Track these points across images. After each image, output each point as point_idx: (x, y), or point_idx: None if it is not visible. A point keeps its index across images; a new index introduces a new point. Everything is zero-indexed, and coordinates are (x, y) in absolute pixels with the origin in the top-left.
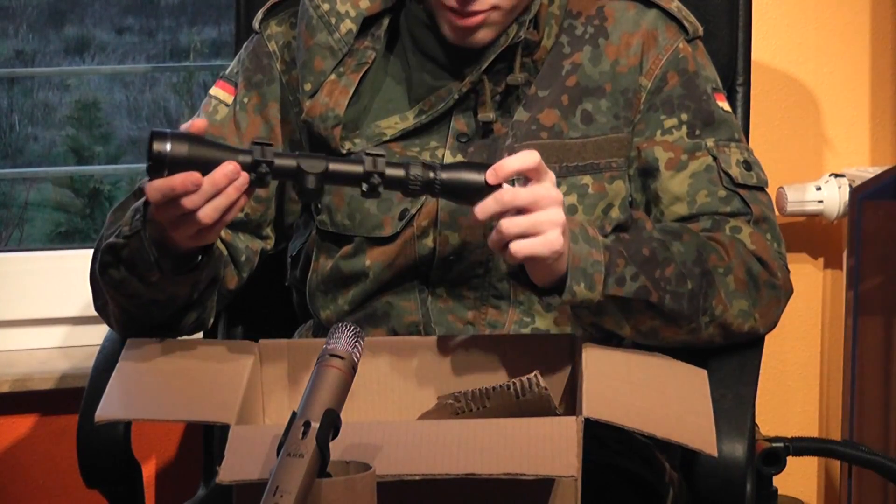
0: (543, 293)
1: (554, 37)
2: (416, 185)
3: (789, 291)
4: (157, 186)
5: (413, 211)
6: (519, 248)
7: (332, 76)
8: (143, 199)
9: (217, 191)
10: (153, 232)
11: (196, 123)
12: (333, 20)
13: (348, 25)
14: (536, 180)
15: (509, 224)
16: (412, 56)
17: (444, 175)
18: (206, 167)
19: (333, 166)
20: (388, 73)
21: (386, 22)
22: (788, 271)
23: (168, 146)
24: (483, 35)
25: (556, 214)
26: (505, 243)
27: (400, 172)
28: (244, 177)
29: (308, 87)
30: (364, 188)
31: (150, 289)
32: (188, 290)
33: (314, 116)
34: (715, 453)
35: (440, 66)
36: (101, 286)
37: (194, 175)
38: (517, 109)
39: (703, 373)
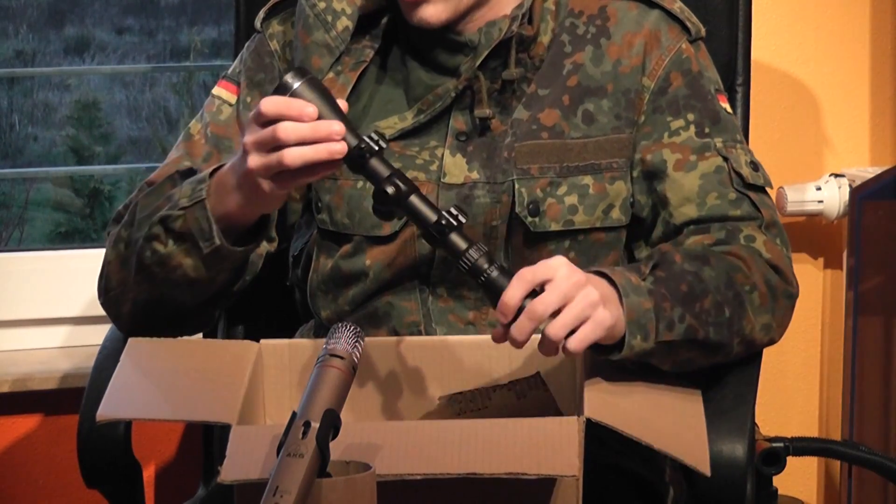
0: (600, 352)
1: (551, 32)
2: (466, 266)
3: (797, 294)
4: (274, 101)
5: None
6: (577, 344)
7: (331, 74)
8: (207, 171)
9: (314, 138)
10: (215, 203)
11: (341, 101)
12: (330, 18)
13: (345, 23)
14: (548, 278)
15: (555, 329)
16: (409, 57)
17: (495, 274)
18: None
19: (415, 200)
20: (386, 74)
21: (384, 22)
22: (793, 273)
23: (298, 83)
24: (433, 11)
25: (589, 294)
26: (560, 346)
27: (462, 244)
28: (342, 146)
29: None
30: (424, 235)
31: (197, 264)
32: (228, 271)
33: None
34: (708, 473)
35: (437, 66)
36: (125, 271)
37: (311, 109)
38: (516, 107)
39: (698, 393)
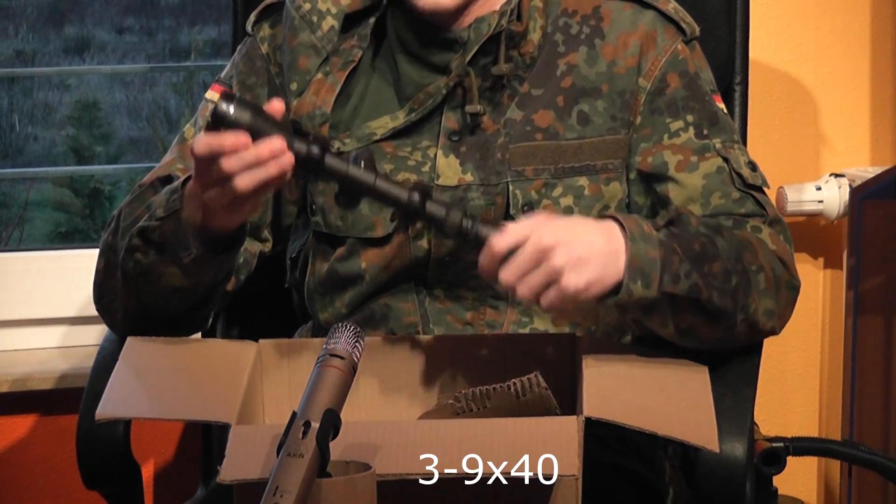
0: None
1: (540, 30)
2: (452, 230)
3: (800, 288)
4: (207, 140)
5: None
6: (547, 307)
7: (319, 75)
8: (180, 181)
9: (258, 161)
10: (190, 213)
11: (275, 104)
12: (315, 18)
13: (330, 22)
14: (519, 244)
15: (523, 292)
16: (399, 56)
17: (482, 229)
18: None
19: (380, 184)
20: (376, 74)
21: (371, 22)
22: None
23: (232, 109)
24: None
25: (557, 259)
26: (536, 305)
27: (440, 211)
28: (289, 157)
29: (294, 86)
30: (401, 215)
31: (179, 273)
32: (212, 277)
33: (302, 115)
34: (717, 449)
35: (427, 64)
36: (114, 279)
37: (244, 138)
38: (509, 107)
39: (704, 369)
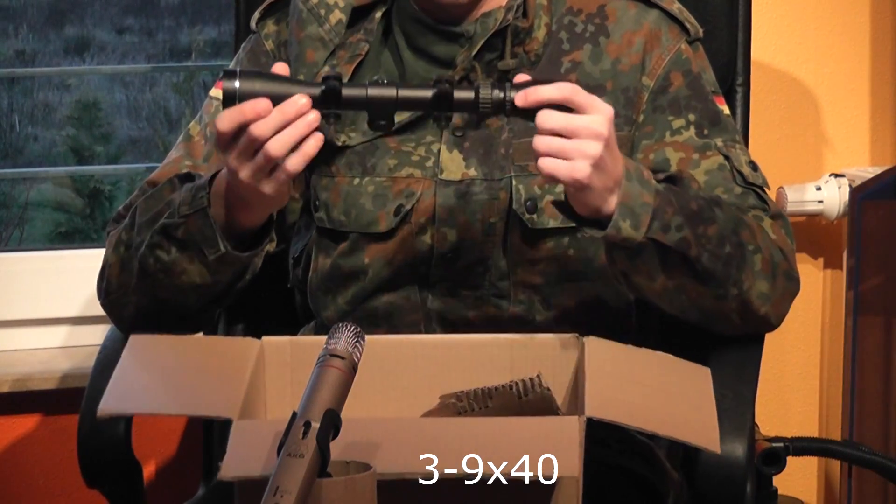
0: (586, 224)
1: (545, 27)
2: (487, 105)
3: (798, 288)
4: (227, 115)
5: (408, 206)
6: (543, 164)
7: (326, 68)
8: (206, 177)
9: (286, 121)
10: (217, 210)
11: (279, 66)
12: (323, 12)
13: (338, 16)
14: (582, 112)
15: (539, 141)
16: (406, 51)
17: (515, 94)
18: (277, 101)
19: (403, 93)
20: (382, 68)
21: (378, 15)
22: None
23: (237, 83)
24: None
25: (591, 147)
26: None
27: (469, 94)
28: (315, 115)
29: (301, 79)
30: (434, 114)
31: (202, 270)
32: (232, 274)
33: None
34: (718, 450)
35: (434, 58)
36: (127, 275)
37: (263, 101)
38: None
39: (707, 370)
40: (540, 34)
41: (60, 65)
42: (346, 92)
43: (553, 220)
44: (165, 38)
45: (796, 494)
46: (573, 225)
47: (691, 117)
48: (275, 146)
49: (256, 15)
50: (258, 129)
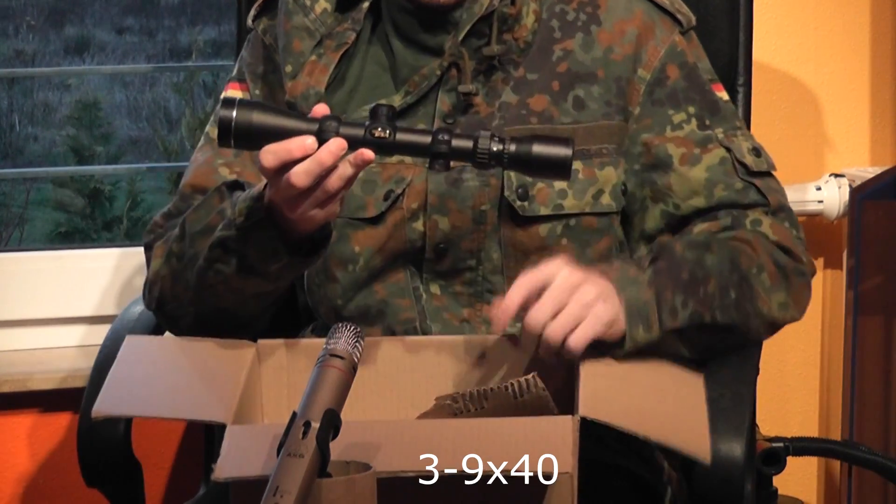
0: (605, 347)
1: (534, 14)
2: (484, 157)
3: (813, 271)
4: (273, 152)
5: (398, 191)
6: (576, 342)
7: (312, 57)
8: (259, 187)
9: (327, 167)
10: (273, 220)
11: (320, 105)
12: (308, 2)
13: (323, 5)
14: (546, 283)
15: (552, 332)
16: (394, 39)
17: (514, 147)
18: (273, 134)
19: (401, 137)
20: (372, 59)
21: (365, 6)
22: (808, 250)
23: (234, 113)
24: None
25: (585, 294)
26: (560, 347)
27: (467, 144)
28: (341, 142)
29: (289, 69)
30: (430, 159)
31: (262, 280)
32: (291, 280)
33: (296, 96)
34: (708, 461)
35: (422, 47)
36: (182, 286)
37: (310, 140)
38: (504, 90)
39: (700, 376)
40: (528, 21)
41: (60, 65)
42: (342, 130)
43: (544, 207)
44: (165, 38)
45: (796, 494)
46: (565, 213)
47: (691, 109)
48: (331, 181)
49: (252, 13)
50: (308, 175)
